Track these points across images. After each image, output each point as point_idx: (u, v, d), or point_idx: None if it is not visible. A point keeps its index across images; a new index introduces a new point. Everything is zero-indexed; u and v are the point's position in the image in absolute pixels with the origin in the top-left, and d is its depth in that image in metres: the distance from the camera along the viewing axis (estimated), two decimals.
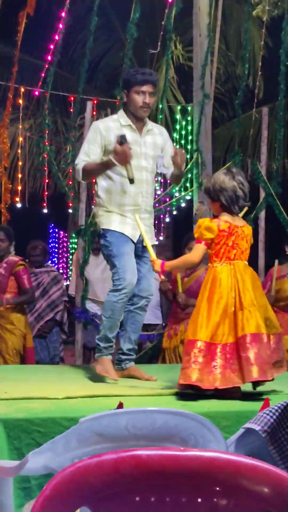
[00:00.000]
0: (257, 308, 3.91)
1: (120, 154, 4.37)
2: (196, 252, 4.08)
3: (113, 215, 4.66)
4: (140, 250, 4.67)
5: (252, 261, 6.55)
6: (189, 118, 8.96)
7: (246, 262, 4.11)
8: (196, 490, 1.39)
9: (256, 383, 3.92)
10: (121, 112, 4.80)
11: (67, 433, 2.10)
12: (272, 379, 3.88)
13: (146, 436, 2.03)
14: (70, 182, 8.23)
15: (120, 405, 2.64)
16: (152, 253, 4.29)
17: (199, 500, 1.40)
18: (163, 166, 4.78)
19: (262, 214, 7.79)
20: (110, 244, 4.59)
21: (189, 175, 8.66)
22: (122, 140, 4.38)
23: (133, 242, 4.63)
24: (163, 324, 7.79)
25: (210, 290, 3.96)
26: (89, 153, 4.67)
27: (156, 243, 4.89)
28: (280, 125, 8.50)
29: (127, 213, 4.64)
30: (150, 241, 4.46)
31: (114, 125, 4.70)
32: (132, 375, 4.66)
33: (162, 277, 4.57)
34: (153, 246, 4.54)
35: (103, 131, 4.65)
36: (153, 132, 4.82)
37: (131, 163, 4.46)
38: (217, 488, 1.39)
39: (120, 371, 4.67)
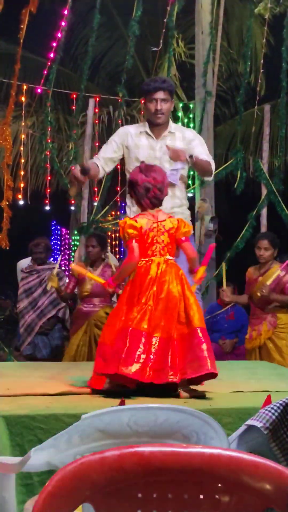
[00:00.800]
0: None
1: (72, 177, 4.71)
2: (133, 252, 3.94)
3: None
4: None
5: (255, 259, 6.56)
6: (191, 116, 8.98)
7: (169, 257, 3.96)
8: (199, 486, 1.40)
9: None
10: (143, 121, 5.06)
11: (69, 429, 2.10)
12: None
13: (148, 432, 2.03)
14: None
15: (122, 402, 2.64)
16: (97, 279, 4.58)
17: (201, 496, 1.40)
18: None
19: (264, 211, 7.79)
20: None
21: (191, 173, 8.67)
22: (83, 170, 4.65)
23: None
24: None
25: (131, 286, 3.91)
26: (102, 150, 5.05)
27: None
28: (282, 122, 8.51)
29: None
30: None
31: (134, 130, 4.95)
32: None
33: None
34: None
35: (122, 134, 4.96)
36: (173, 136, 4.92)
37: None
38: (219, 485, 1.39)
39: None
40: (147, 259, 3.92)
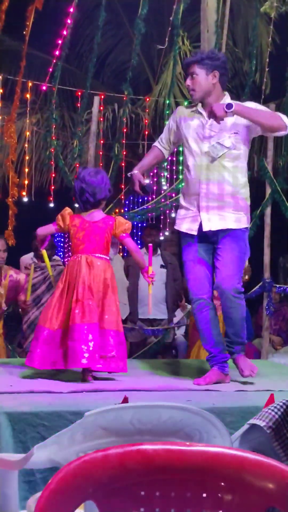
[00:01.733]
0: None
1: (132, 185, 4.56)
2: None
3: (181, 211, 4.59)
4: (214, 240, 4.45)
5: (258, 258, 6.56)
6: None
7: (97, 255, 4.42)
8: (201, 485, 1.40)
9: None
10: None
11: (72, 426, 2.11)
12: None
13: (151, 430, 2.03)
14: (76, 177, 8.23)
15: (125, 400, 2.64)
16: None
17: (204, 495, 1.41)
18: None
19: (268, 211, 7.78)
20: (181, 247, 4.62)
21: None
22: (145, 189, 4.56)
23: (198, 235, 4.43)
24: (168, 319, 7.79)
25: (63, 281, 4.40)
26: (162, 137, 4.71)
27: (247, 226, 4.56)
28: None
29: (190, 203, 4.49)
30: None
31: (187, 110, 4.59)
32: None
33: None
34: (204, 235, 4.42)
35: (176, 116, 4.58)
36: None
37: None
38: (222, 483, 1.39)
39: None
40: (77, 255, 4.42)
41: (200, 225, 4.38)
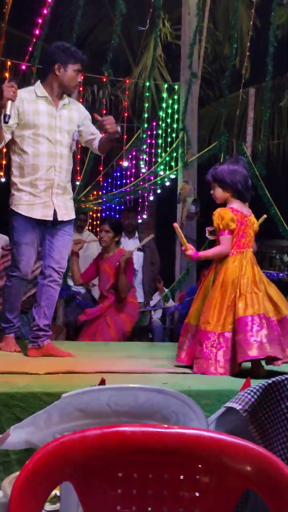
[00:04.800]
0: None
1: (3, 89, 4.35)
2: (227, 243, 4.25)
3: (22, 195, 4.64)
4: (53, 227, 4.71)
5: None
6: (175, 97, 8.94)
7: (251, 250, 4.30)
8: (179, 467, 1.41)
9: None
10: (37, 83, 4.75)
11: (49, 408, 2.10)
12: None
13: (128, 412, 2.03)
14: None
15: (103, 382, 2.64)
16: (185, 243, 4.39)
17: (182, 477, 1.41)
18: (89, 135, 4.82)
19: None
20: (14, 229, 4.68)
21: (174, 154, 8.64)
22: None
23: (45, 221, 4.66)
24: (145, 302, 7.81)
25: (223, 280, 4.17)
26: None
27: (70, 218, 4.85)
28: (266, 106, 8.52)
29: (39, 190, 4.63)
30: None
31: (29, 96, 4.65)
32: (49, 354, 4.62)
33: None
34: (68, 221, 4.75)
35: (17, 101, 4.53)
36: (69, 107, 4.77)
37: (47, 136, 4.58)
38: (199, 466, 1.40)
39: (37, 349, 4.63)
40: (238, 250, 4.28)
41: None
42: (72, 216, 4.80)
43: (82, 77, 8.03)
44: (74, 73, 4.65)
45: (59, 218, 4.65)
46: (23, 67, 8.17)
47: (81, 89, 8.23)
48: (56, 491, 2.15)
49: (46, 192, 4.59)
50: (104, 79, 8.06)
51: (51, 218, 4.62)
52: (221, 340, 3.99)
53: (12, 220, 4.63)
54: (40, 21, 7.78)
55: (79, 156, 8.80)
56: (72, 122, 4.73)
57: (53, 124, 4.62)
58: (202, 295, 4.25)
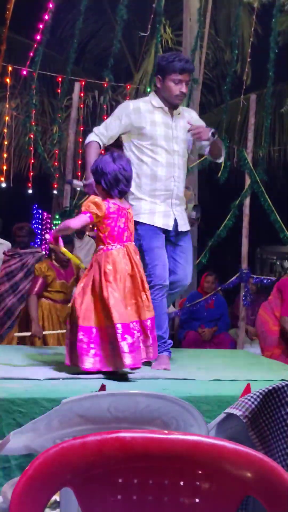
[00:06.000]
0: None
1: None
2: (78, 220, 4.05)
3: (142, 203, 4.55)
4: (175, 239, 4.63)
5: (235, 248, 6.58)
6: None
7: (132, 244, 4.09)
8: (179, 473, 1.41)
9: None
10: (152, 94, 4.70)
11: (49, 413, 2.10)
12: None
13: (128, 418, 2.03)
14: (56, 163, 8.21)
15: (103, 387, 2.64)
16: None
17: (182, 483, 1.41)
18: (201, 143, 4.71)
19: (247, 201, 7.80)
20: (142, 238, 4.46)
21: None
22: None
23: (166, 231, 4.56)
24: None
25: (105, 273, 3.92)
26: (108, 127, 4.56)
27: (188, 229, 4.76)
28: (267, 112, 8.52)
29: (159, 200, 4.55)
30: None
31: (146, 106, 4.59)
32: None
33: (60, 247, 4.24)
34: (186, 232, 4.69)
35: (132, 112, 4.53)
36: (183, 115, 4.70)
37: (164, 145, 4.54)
38: (200, 472, 1.40)
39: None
40: (121, 243, 4.01)
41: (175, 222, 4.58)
42: (189, 227, 4.76)
43: (83, 83, 8.05)
44: (172, 83, 4.51)
45: (179, 229, 4.59)
46: (24, 72, 8.18)
47: (82, 94, 8.24)
48: (56, 497, 2.15)
49: (166, 202, 4.55)
50: (105, 85, 8.08)
51: (172, 228, 4.55)
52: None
53: (137, 230, 4.40)
54: (41, 26, 7.80)
55: (80, 162, 8.82)
56: (186, 131, 4.65)
57: (170, 135, 4.56)
58: None
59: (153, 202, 4.54)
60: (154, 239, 4.49)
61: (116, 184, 3.99)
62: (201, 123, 4.75)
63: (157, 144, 4.53)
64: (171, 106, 4.61)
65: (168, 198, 4.54)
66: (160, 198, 4.54)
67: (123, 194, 4.11)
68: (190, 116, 4.75)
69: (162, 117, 4.57)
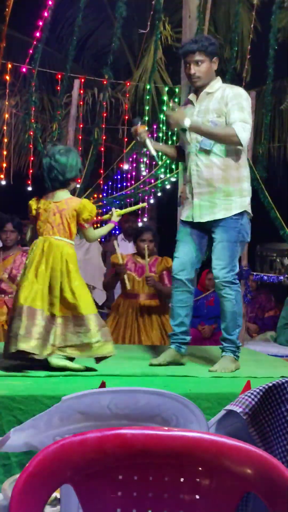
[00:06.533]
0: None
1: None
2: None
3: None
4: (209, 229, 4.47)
5: None
6: (176, 100, 8.93)
7: (59, 238, 4.17)
8: (179, 469, 1.41)
9: None
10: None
11: (49, 410, 2.11)
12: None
13: (128, 415, 2.03)
14: None
15: (103, 384, 2.64)
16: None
17: (182, 479, 1.41)
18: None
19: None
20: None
21: None
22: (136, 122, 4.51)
23: (194, 223, 4.46)
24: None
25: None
26: None
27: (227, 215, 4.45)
28: (267, 110, 8.50)
29: (188, 190, 4.54)
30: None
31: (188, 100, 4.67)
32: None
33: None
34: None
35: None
36: (211, 96, 4.45)
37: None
38: (200, 468, 1.40)
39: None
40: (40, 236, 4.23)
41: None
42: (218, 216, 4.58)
43: (82, 80, 8.02)
44: (185, 68, 4.50)
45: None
46: (24, 69, 8.17)
47: (81, 91, 8.23)
48: (56, 494, 2.15)
49: (191, 193, 4.60)
50: (105, 82, 8.06)
51: (193, 219, 4.55)
52: None
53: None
54: (40, 23, 7.78)
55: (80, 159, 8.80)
56: (209, 113, 4.48)
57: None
58: None
59: (186, 196, 4.59)
60: (181, 233, 4.55)
61: None
62: (233, 102, 4.37)
63: (184, 135, 4.51)
64: (195, 91, 4.55)
65: (192, 187, 4.47)
66: (188, 189, 4.53)
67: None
68: (221, 96, 4.41)
69: (189, 108, 4.51)
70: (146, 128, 4.49)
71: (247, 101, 4.49)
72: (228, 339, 4.36)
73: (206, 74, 4.43)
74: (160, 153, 4.52)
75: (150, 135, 4.52)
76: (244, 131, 4.33)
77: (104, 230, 4.70)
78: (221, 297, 4.36)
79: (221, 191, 4.39)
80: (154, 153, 4.51)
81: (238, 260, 4.45)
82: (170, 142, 8.73)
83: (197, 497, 1.41)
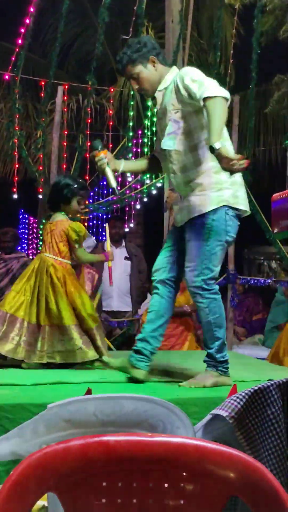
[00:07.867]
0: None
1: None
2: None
3: None
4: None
5: None
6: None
7: (48, 255, 4.68)
8: (163, 475, 1.40)
9: None
10: None
11: (35, 419, 2.10)
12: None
13: (114, 422, 2.03)
14: (40, 168, 8.19)
15: (89, 391, 2.64)
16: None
17: (166, 485, 1.41)
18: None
19: None
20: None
21: None
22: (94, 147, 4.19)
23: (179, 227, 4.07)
24: (133, 311, 7.80)
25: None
26: None
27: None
28: (251, 114, 8.54)
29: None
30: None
31: None
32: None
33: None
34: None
35: None
36: (166, 91, 4.01)
37: None
38: (184, 473, 1.40)
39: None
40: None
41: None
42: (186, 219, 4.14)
43: (66, 86, 8.02)
44: None
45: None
46: (7, 77, 8.16)
47: (65, 98, 8.22)
48: (44, 502, 2.14)
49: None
50: (89, 88, 8.07)
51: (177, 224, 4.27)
52: None
53: None
54: (23, 30, 7.78)
55: (64, 166, 8.81)
56: (166, 112, 4.05)
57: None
58: None
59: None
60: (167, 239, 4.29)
61: None
62: (182, 83, 3.82)
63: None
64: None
65: (174, 191, 4.43)
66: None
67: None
68: (173, 84, 3.92)
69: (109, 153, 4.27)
70: (107, 153, 4.09)
71: (196, 71, 3.86)
72: (207, 353, 3.91)
73: (149, 81, 4.02)
74: (125, 178, 4.39)
75: (110, 161, 4.16)
76: (217, 89, 3.64)
77: (95, 258, 5.31)
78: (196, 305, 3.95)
79: (196, 185, 3.91)
80: (113, 184, 4.11)
81: (218, 263, 3.91)
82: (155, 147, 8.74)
83: (182, 502, 1.41)
